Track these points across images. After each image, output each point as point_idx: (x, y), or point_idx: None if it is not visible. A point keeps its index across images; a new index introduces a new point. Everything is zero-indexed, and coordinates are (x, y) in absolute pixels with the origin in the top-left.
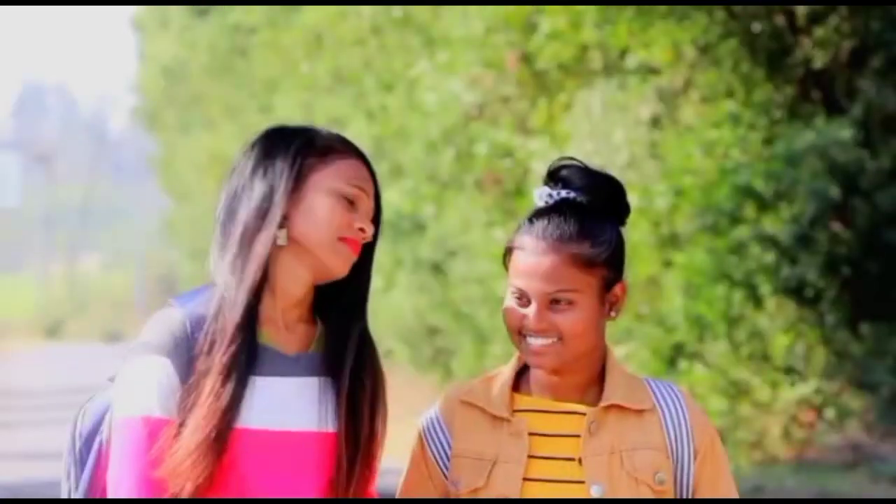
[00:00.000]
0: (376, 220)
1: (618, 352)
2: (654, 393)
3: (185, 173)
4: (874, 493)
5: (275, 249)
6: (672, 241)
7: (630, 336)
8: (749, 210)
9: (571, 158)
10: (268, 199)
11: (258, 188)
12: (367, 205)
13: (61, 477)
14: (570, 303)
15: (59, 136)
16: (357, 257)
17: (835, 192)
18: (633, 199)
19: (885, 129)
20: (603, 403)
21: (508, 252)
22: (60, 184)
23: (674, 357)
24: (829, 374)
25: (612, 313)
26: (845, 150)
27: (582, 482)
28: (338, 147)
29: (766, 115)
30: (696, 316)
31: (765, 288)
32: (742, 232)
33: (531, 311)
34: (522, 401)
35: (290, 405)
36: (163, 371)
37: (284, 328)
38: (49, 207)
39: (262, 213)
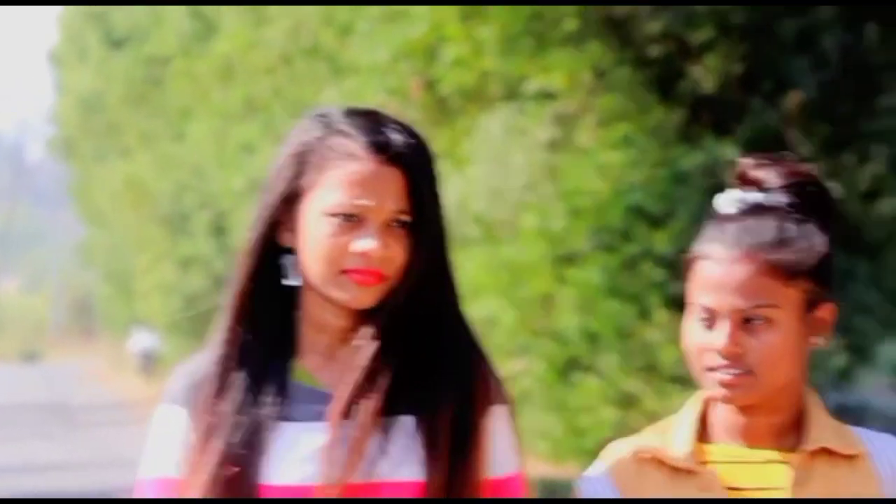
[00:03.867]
0: (420, 204)
1: (515, 366)
2: (865, 439)
3: (101, 200)
4: None
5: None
6: (568, 259)
7: (526, 350)
8: (640, 229)
9: (766, 155)
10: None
11: (261, 199)
12: (377, 215)
13: None
14: (768, 321)
15: None
16: (374, 286)
17: None
18: (530, 219)
19: (772, 150)
20: (809, 447)
21: (691, 264)
22: None
23: (568, 370)
24: None
25: (819, 340)
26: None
27: None
28: (337, 151)
29: (659, 137)
30: (590, 330)
31: (654, 303)
32: (633, 250)
33: (721, 332)
34: (709, 450)
35: (320, 455)
36: (177, 422)
37: (330, 360)
38: None
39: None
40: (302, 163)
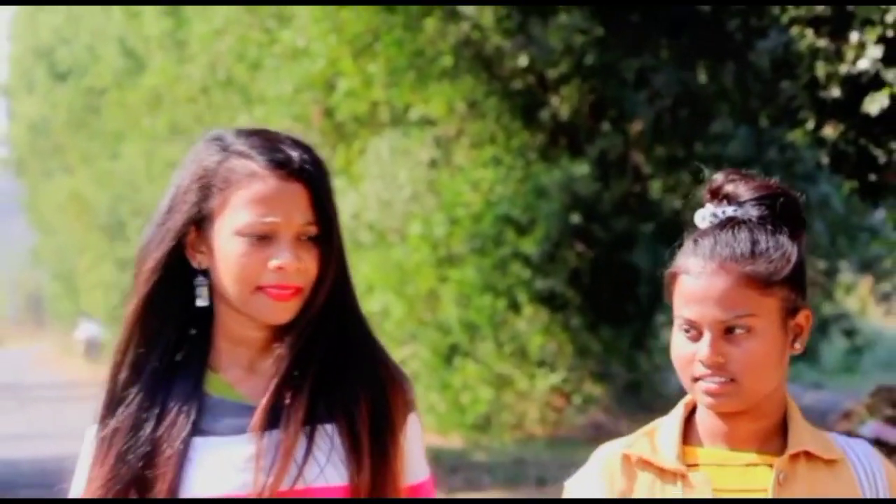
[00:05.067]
0: (324, 216)
1: (404, 352)
2: (841, 444)
3: (48, 211)
4: None
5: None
6: (448, 261)
7: (414, 339)
8: (509, 235)
9: (735, 171)
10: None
11: (161, 222)
12: (287, 231)
13: None
14: (749, 330)
15: None
16: (291, 301)
17: (577, 219)
18: (415, 227)
19: (617, 168)
20: (791, 450)
21: (672, 279)
22: None
23: (450, 355)
24: (575, 367)
25: (797, 345)
26: (586, 185)
27: None
28: (240, 173)
29: (523, 157)
30: (468, 321)
31: (522, 298)
32: (503, 252)
33: (703, 343)
34: (695, 453)
35: (247, 465)
36: (90, 440)
37: (251, 373)
38: None
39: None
40: (205, 187)
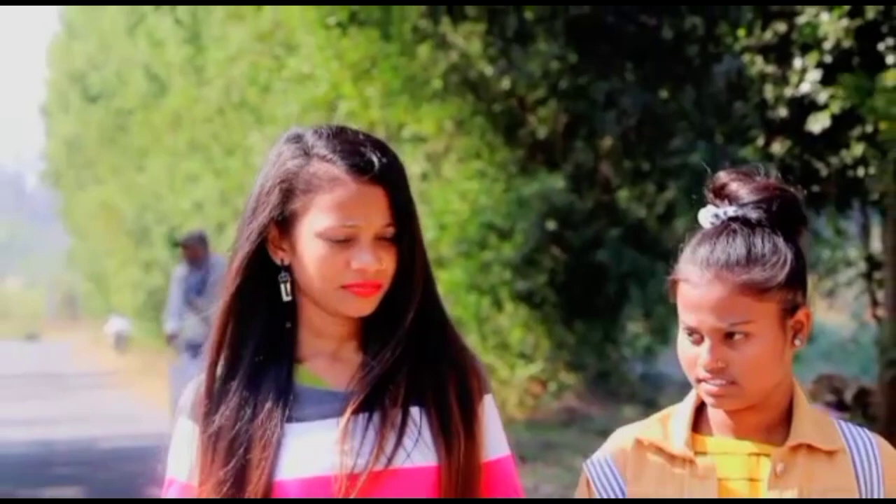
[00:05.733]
0: (402, 216)
1: None
2: (844, 433)
3: (81, 218)
4: (585, 444)
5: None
6: (437, 263)
7: None
8: (492, 240)
9: (736, 171)
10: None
11: (247, 221)
12: (367, 233)
13: None
14: (747, 335)
15: None
16: (374, 296)
17: (553, 226)
18: None
19: (589, 181)
20: (790, 443)
21: (673, 286)
22: None
23: None
24: (552, 358)
25: (797, 342)
26: (561, 196)
27: None
28: (322, 177)
29: (505, 171)
30: (455, 318)
31: (504, 296)
32: (487, 256)
33: (704, 349)
34: (703, 441)
35: (336, 448)
36: (185, 435)
37: (334, 361)
38: None
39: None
40: (288, 190)
